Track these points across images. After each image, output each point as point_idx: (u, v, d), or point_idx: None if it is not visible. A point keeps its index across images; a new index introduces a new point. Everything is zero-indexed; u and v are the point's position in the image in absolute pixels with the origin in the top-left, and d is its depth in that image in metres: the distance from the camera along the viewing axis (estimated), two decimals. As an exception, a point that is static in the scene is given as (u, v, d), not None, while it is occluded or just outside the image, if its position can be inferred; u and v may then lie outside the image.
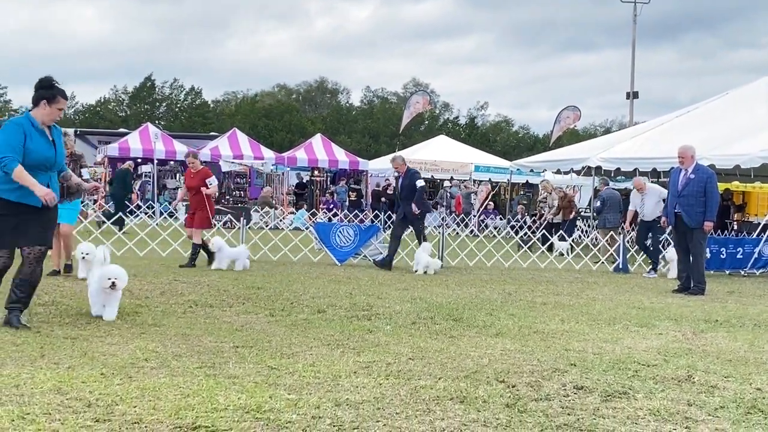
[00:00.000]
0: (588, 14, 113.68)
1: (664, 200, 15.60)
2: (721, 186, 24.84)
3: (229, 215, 25.32)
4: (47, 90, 7.60)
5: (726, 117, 22.61)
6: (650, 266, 17.00)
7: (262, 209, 29.09)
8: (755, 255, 17.79)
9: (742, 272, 17.55)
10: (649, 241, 17.39)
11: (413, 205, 15.23)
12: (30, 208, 7.45)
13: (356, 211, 29.45)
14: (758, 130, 20.28)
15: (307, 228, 21.04)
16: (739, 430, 5.18)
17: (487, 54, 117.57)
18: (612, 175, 24.29)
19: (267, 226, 24.98)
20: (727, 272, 17.41)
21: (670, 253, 16.15)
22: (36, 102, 7.60)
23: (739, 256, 17.74)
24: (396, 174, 15.38)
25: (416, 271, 14.81)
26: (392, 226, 16.01)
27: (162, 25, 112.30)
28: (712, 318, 10.36)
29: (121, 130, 39.35)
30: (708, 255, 17.14)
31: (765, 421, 5.43)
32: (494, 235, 21.93)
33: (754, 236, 18.99)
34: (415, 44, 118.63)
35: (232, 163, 34.40)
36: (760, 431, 5.19)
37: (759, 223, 19.87)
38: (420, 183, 15.48)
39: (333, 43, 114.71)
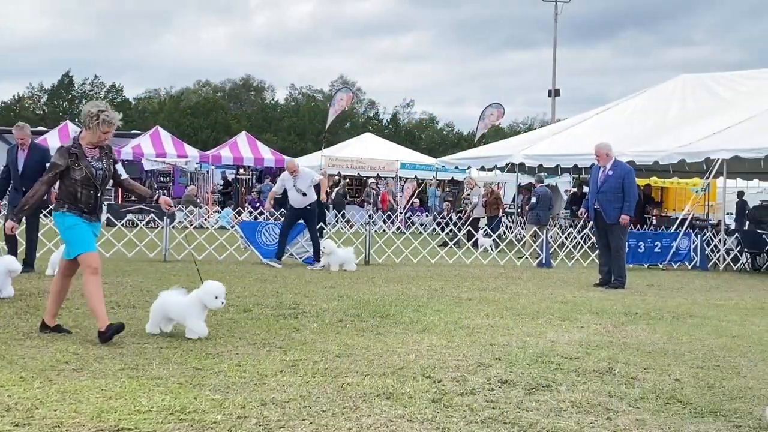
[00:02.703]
0: (526, 12, 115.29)
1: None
2: (641, 182, 25.49)
3: (152, 214, 24.90)
4: None
5: (644, 114, 23.21)
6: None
7: (186, 208, 28.71)
8: (673, 249, 18.27)
9: (661, 266, 18.01)
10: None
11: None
12: None
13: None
14: (675, 127, 20.86)
15: (232, 227, 20.85)
16: (658, 421, 5.32)
17: (426, 51, 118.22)
18: (536, 171, 24.68)
19: (191, 225, 24.63)
20: (646, 266, 17.84)
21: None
22: None
23: (657, 250, 18.21)
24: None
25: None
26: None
27: (99, 20, 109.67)
28: (632, 311, 10.61)
29: (40, 128, 38.34)
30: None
31: (683, 411, 5.59)
32: (420, 232, 22.05)
33: (672, 230, 19.51)
34: (355, 41, 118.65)
35: (155, 161, 33.87)
36: (679, 421, 5.33)
37: (677, 218, 20.41)
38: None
39: (271, 40, 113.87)
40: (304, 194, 15.17)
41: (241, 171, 37.03)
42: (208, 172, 36.00)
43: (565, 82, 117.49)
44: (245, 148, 35.06)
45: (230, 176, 38.08)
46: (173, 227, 17.51)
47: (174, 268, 13.99)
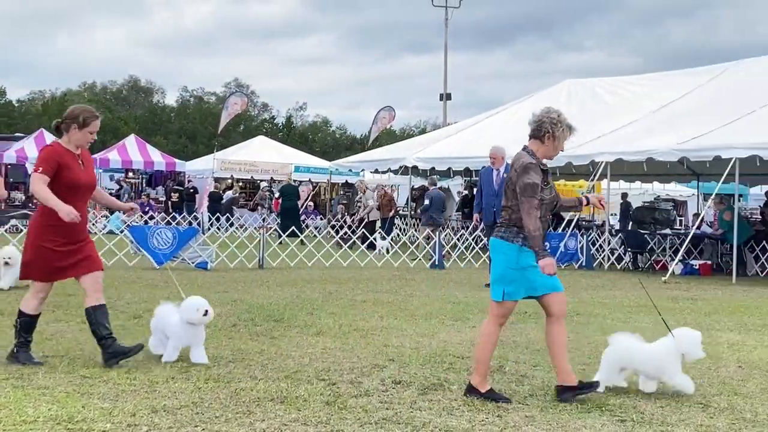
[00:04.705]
0: (426, 18, 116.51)
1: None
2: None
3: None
4: None
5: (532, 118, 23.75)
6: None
7: (73, 213, 27.91)
8: (561, 249, 18.77)
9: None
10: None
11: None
12: None
13: (174, 213, 28.70)
14: (561, 131, 21.40)
15: (122, 231, 20.37)
16: (546, 417, 5.47)
17: (326, 55, 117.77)
18: (428, 174, 24.99)
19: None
20: (536, 266, 18.26)
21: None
22: None
23: (546, 250, 18.65)
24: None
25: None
26: None
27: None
28: (521, 310, 10.80)
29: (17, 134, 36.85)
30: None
31: (570, 406, 5.75)
32: (315, 235, 22.03)
33: (560, 231, 20.04)
34: (255, 44, 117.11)
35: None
36: (566, 416, 5.49)
37: (564, 219, 20.97)
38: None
39: (167, 41, 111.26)
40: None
41: (130, 175, 36.19)
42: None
43: (463, 86, 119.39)
44: (134, 152, 34.26)
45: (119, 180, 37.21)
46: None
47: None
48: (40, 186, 6.43)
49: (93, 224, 26.97)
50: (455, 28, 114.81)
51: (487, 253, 16.52)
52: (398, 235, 25.89)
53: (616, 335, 6.55)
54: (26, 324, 6.66)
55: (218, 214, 29.25)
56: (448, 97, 48.03)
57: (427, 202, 21.40)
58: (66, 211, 6.30)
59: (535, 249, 5.74)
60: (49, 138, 34.22)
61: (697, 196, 28.13)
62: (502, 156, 14.14)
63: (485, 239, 21.09)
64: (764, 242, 19.23)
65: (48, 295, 6.79)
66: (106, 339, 6.59)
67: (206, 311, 6.83)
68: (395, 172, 26.37)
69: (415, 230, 23.95)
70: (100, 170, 34.85)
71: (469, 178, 29.50)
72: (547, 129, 6.05)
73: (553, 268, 5.72)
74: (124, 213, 7.91)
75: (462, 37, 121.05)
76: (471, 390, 5.86)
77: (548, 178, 6.04)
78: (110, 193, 35.53)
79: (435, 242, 18.18)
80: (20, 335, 6.64)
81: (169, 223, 24.81)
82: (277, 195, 29.01)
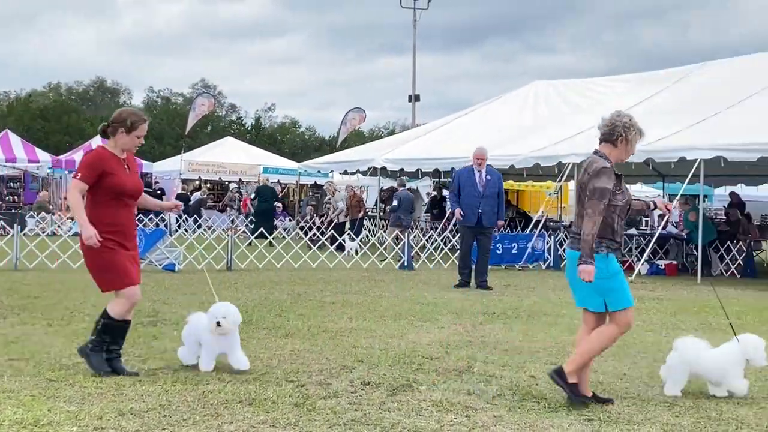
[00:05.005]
0: (397, 19, 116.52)
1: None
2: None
3: (1, 221, 23.79)
4: None
5: (500, 119, 23.90)
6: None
7: (38, 215, 27.58)
8: (529, 250, 18.87)
9: (517, 266, 18.57)
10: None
11: None
12: None
13: (140, 215, 28.38)
14: (529, 132, 21.57)
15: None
16: (514, 417, 5.50)
17: (297, 56, 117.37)
18: (398, 175, 25.01)
19: (44, 232, 23.67)
20: (503, 266, 18.36)
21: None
22: None
23: (514, 251, 18.77)
24: None
25: None
26: None
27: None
28: (490, 310, 10.90)
29: None
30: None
31: (538, 406, 5.79)
32: (284, 237, 21.97)
33: (528, 232, 20.15)
34: (225, 44, 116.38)
35: (4, 166, 32.38)
36: (534, 416, 5.53)
37: (532, 220, 21.07)
38: None
39: (136, 41, 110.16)
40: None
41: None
42: (61, 178, 34.69)
43: (433, 87, 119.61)
44: (101, 153, 33.90)
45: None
46: (24, 234, 16.76)
47: (25, 277, 13.42)
48: (75, 195, 6.20)
49: (59, 226, 26.73)
50: (425, 30, 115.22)
51: (456, 253, 16.60)
52: (367, 236, 25.88)
53: (682, 340, 6.49)
54: (108, 327, 6.37)
55: (186, 215, 29.05)
56: (417, 98, 48.15)
57: (395, 203, 21.43)
58: (88, 234, 6.08)
59: (583, 253, 5.74)
60: (15, 139, 33.88)
61: (663, 196, 28.45)
62: (486, 157, 14.23)
63: (454, 239, 21.21)
64: (729, 242, 19.48)
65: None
66: (111, 352, 6.40)
67: (218, 323, 6.49)
68: (364, 173, 26.37)
69: (384, 231, 23.95)
70: (66, 172, 34.53)
71: (437, 179, 29.57)
72: (620, 132, 6.01)
73: (590, 276, 5.71)
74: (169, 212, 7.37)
75: (432, 39, 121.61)
76: (560, 376, 5.89)
77: (622, 182, 6.01)
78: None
79: (404, 243, 18.20)
80: (99, 334, 6.36)
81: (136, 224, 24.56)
82: (252, 196, 28.88)
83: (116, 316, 6.36)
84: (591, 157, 6.05)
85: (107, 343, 6.35)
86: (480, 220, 13.93)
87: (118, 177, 6.33)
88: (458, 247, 19.93)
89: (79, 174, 6.23)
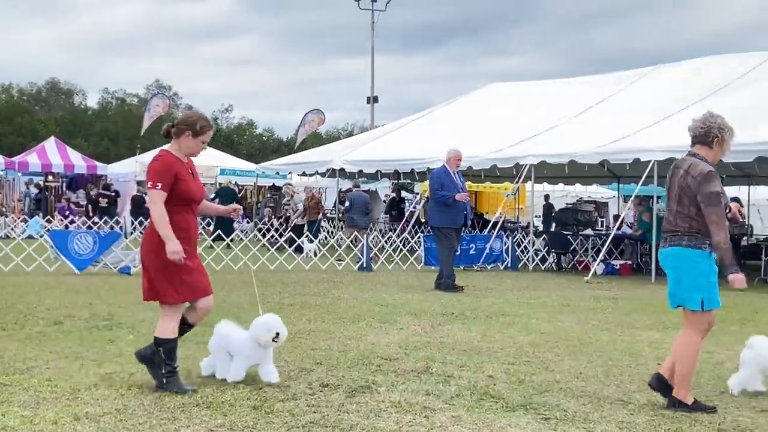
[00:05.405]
0: (358, 20, 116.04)
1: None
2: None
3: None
4: None
5: (458, 121, 24.00)
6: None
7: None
8: (486, 250, 18.98)
9: (476, 267, 18.67)
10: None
11: None
12: None
13: (106, 217, 27.94)
14: (486, 134, 21.69)
15: (41, 236, 19.89)
16: (472, 416, 5.53)
17: (256, 57, 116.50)
18: (356, 177, 25.01)
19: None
20: (462, 267, 18.44)
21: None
22: None
23: (472, 252, 18.87)
24: None
25: None
26: None
27: None
28: (448, 311, 10.95)
29: None
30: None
31: (496, 405, 5.83)
32: (241, 239, 21.85)
33: (485, 233, 20.27)
34: (184, 45, 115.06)
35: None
36: (492, 415, 5.56)
37: (489, 221, 21.22)
38: None
39: (92, 42, 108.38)
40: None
41: (50, 178, 35.32)
42: (14, 180, 34.16)
43: (392, 89, 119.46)
44: (54, 154, 33.45)
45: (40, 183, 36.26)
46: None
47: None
48: (160, 207, 5.89)
49: (12, 228, 26.33)
50: (385, 32, 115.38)
51: (415, 254, 16.63)
52: (326, 237, 25.85)
53: (755, 339, 6.53)
54: (169, 351, 6.08)
55: (141, 218, 28.72)
56: (376, 99, 48.22)
57: (347, 204, 21.44)
58: (174, 250, 5.82)
59: (726, 262, 5.73)
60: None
61: (618, 197, 28.80)
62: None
63: (413, 241, 21.26)
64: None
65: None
66: (144, 359, 6.19)
67: (277, 334, 6.29)
68: (323, 174, 26.32)
69: (342, 232, 23.93)
70: (19, 174, 34.04)
71: (396, 181, 29.62)
72: (716, 134, 5.97)
73: (743, 284, 5.73)
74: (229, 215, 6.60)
75: (392, 40, 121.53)
76: (677, 404, 5.85)
77: (720, 184, 5.99)
78: (34, 198, 34.81)
79: (363, 245, 18.20)
80: (165, 365, 6.03)
81: (90, 227, 24.30)
82: (212, 196, 28.65)
83: (171, 335, 6.11)
84: (690, 159, 6.01)
85: (171, 366, 6.09)
86: (466, 219, 14.12)
87: (186, 183, 6.08)
88: (417, 248, 20.03)
89: (159, 184, 5.91)
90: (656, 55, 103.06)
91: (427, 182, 26.95)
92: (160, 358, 6.05)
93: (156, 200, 5.91)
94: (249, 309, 10.72)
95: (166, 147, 6.22)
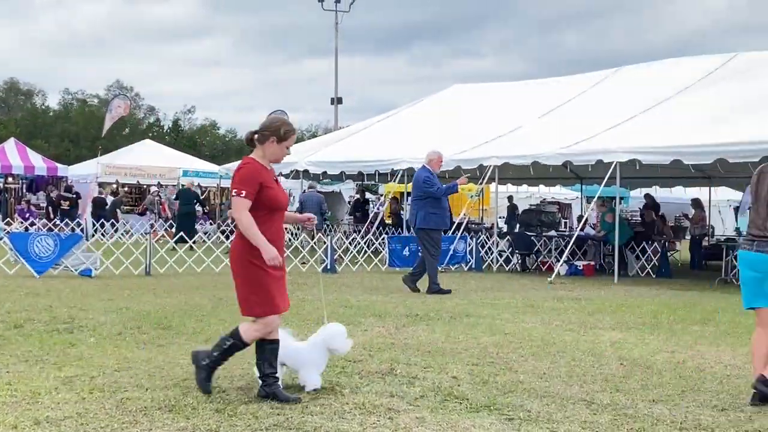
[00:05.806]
0: (326, 21, 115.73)
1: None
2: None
3: None
4: None
5: (422, 122, 24.05)
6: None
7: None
8: (451, 252, 19.03)
9: (440, 268, 18.68)
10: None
11: None
12: None
13: (67, 219, 27.59)
14: (450, 135, 21.75)
15: (1, 238, 19.61)
16: (437, 417, 5.53)
17: (223, 58, 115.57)
18: (320, 178, 24.93)
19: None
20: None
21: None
22: None
23: (436, 253, 18.88)
24: None
25: None
26: None
27: None
28: (413, 312, 10.95)
29: None
30: (407, 253, 18.25)
31: (460, 406, 5.84)
32: (204, 241, 21.70)
33: (450, 234, 20.31)
34: (149, 46, 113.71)
35: None
36: (456, 416, 5.57)
37: (454, 222, 21.25)
38: None
39: (54, 42, 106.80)
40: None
41: (10, 180, 34.84)
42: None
43: (359, 90, 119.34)
44: (14, 156, 33.00)
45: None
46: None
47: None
48: (245, 215, 5.76)
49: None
50: (352, 33, 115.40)
51: (380, 256, 16.59)
52: (290, 239, 25.75)
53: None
54: (234, 348, 6.07)
55: (103, 219, 28.43)
56: (340, 100, 48.32)
57: (298, 204, 21.42)
58: (271, 256, 5.72)
59: None
60: None
61: (581, 198, 29.03)
62: None
63: (377, 242, 21.24)
64: (644, 243, 19.98)
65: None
66: (268, 377, 6.00)
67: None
68: (286, 176, 26.22)
69: (306, 234, 23.87)
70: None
71: (361, 182, 29.61)
72: None
73: None
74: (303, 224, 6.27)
75: (358, 41, 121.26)
76: None
77: None
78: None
79: (327, 246, 18.16)
80: (221, 354, 6.06)
81: (51, 229, 23.99)
82: (174, 197, 28.42)
83: (248, 341, 6.03)
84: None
85: (266, 367, 6.01)
86: (451, 221, 14.13)
87: (273, 190, 5.94)
88: (381, 250, 20.03)
89: (243, 191, 5.77)
90: (626, 56, 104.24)
91: (390, 184, 27.03)
92: (221, 345, 6.07)
93: (241, 208, 5.80)
94: (212, 311, 10.66)
95: (251, 155, 6.05)
